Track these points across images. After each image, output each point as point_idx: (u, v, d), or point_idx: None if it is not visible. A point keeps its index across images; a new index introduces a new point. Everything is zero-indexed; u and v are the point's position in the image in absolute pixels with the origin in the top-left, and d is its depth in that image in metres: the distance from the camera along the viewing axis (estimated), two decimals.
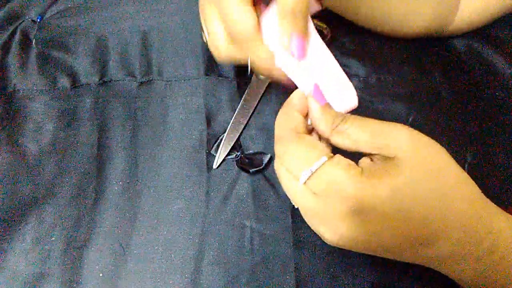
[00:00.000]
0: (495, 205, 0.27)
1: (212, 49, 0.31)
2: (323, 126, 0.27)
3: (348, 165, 0.25)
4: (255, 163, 0.38)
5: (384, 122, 0.26)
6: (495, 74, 0.42)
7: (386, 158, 0.25)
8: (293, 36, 0.27)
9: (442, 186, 0.25)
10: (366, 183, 0.24)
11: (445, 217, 0.25)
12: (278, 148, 0.27)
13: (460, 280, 0.28)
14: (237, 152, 0.38)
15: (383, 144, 0.25)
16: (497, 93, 0.41)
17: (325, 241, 0.27)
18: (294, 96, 0.29)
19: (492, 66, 0.42)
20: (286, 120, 0.28)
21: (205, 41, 0.32)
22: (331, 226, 0.25)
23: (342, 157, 0.26)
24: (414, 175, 0.24)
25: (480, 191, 0.26)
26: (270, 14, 0.29)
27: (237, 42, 0.29)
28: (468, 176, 0.26)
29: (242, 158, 0.38)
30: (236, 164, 0.38)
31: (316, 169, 0.25)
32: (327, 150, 0.26)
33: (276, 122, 0.28)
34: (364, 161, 0.27)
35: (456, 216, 0.25)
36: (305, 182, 0.25)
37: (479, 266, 0.26)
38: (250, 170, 0.37)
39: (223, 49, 0.30)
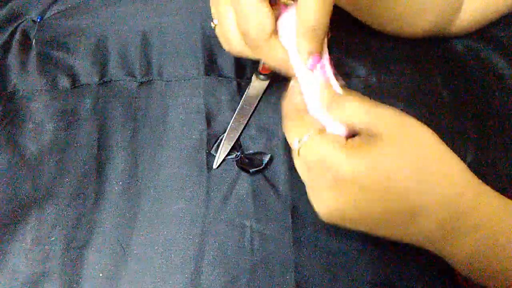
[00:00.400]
0: (486, 185, 0.27)
1: (221, 39, 0.31)
2: (325, 99, 0.28)
3: (333, 138, 0.26)
4: (255, 163, 0.37)
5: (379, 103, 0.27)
6: (495, 75, 0.42)
7: (372, 135, 0.26)
8: (311, 54, 0.27)
9: (422, 161, 0.25)
10: (347, 154, 0.25)
11: (424, 191, 0.25)
12: (284, 125, 0.29)
13: (455, 263, 0.28)
14: (237, 152, 0.38)
15: (370, 122, 0.26)
16: (497, 94, 0.41)
17: (320, 216, 0.28)
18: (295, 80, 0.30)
19: (492, 66, 0.42)
20: (289, 100, 0.30)
21: (212, 27, 0.31)
22: (320, 198, 0.27)
23: (331, 132, 0.27)
24: (394, 148, 0.25)
25: (466, 169, 0.27)
26: (289, 15, 0.28)
27: (251, 42, 0.28)
28: (454, 156, 0.27)
29: (242, 158, 0.38)
30: (236, 164, 0.38)
31: (305, 140, 0.27)
32: (321, 125, 0.28)
33: (282, 103, 0.30)
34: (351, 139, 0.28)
35: (435, 190, 0.25)
36: (298, 153, 0.27)
37: (467, 243, 0.26)
38: (250, 170, 0.37)
39: (234, 43, 0.30)
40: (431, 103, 0.40)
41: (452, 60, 0.43)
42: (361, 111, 0.26)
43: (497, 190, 0.27)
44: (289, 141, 0.28)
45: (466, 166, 0.27)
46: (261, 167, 0.37)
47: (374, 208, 0.26)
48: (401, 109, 0.40)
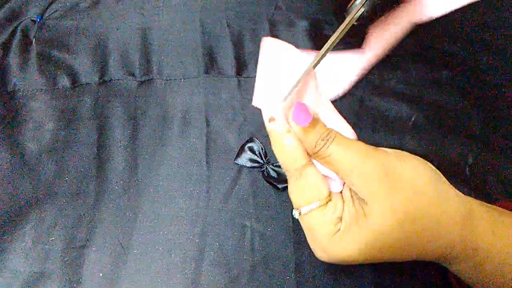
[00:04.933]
0: (480, 206, 0.27)
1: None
2: (307, 147, 0.28)
3: (330, 220, 0.27)
4: (284, 176, 0.35)
5: (367, 151, 0.26)
6: (504, 75, 0.41)
7: (361, 200, 0.26)
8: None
9: (415, 232, 0.25)
10: (337, 244, 0.26)
11: (421, 254, 0.26)
12: (289, 186, 0.29)
13: (460, 276, 0.28)
14: (262, 161, 0.37)
15: (357, 185, 0.26)
16: (506, 94, 0.40)
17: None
18: (279, 131, 0.28)
19: (502, 66, 0.41)
20: (287, 158, 0.28)
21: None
22: (314, 249, 0.28)
23: (332, 206, 0.27)
24: (382, 228, 0.25)
25: (460, 200, 0.26)
26: None
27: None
28: (445, 189, 0.26)
29: (268, 170, 0.36)
30: (262, 176, 0.37)
31: (306, 213, 0.27)
32: (324, 193, 0.27)
33: (279, 160, 0.29)
34: (348, 204, 0.27)
35: (433, 249, 0.25)
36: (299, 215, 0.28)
37: (467, 265, 0.26)
38: (279, 186, 0.36)
39: None
40: (435, 103, 0.39)
41: (462, 57, 0.42)
42: (345, 170, 0.26)
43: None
44: (293, 201, 0.28)
45: (459, 197, 0.26)
46: None
47: (374, 259, 0.26)
48: (404, 109, 0.39)
